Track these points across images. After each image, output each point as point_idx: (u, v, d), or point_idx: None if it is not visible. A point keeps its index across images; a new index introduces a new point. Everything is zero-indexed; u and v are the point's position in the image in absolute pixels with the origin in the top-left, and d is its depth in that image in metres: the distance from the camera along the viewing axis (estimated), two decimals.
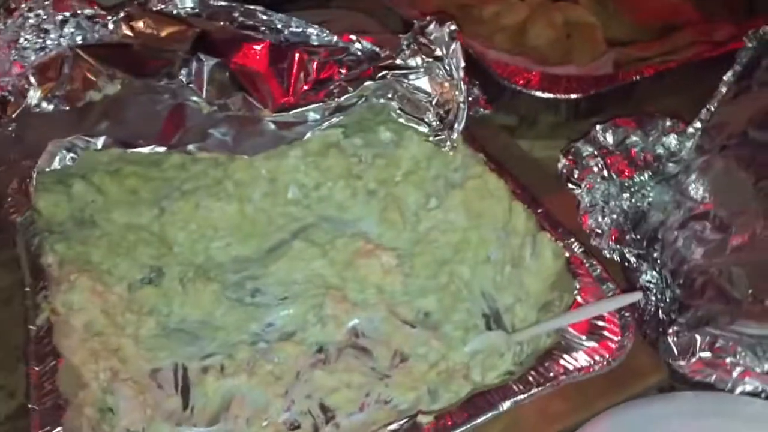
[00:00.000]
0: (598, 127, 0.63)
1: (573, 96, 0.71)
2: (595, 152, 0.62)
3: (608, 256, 0.58)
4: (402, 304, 0.59)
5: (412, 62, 0.63)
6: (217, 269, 0.62)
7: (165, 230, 0.62)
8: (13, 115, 0.62)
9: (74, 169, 0.61)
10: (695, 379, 0.50)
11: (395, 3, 0.85)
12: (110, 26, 0.68)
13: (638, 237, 0.61)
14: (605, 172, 0.62)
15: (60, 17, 0.67)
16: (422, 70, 0.63)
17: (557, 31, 0.77)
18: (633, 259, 0.58)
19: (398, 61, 0.63)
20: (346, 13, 0.89)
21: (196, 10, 0.66)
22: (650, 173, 0.63)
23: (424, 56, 0.63)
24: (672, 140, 0.64)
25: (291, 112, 0.65)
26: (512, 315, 0.58)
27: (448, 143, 0.63)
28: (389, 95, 0.65)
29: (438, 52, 0.63)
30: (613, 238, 0.59)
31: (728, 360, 0.50)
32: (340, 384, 0.54)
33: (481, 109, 0.69)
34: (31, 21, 0.65)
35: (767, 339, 0.50)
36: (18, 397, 0.55)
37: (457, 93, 0.62)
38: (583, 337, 0.50)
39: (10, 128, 0.63)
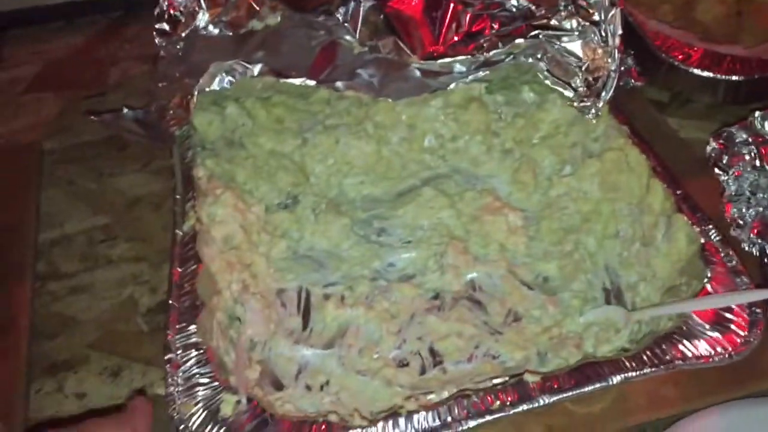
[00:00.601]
0: (757, 113, 0.60)
1: (735, 78, 0.67)
2: (750, 139, 0.59)
3: (747, 249, 0.56)
4: (523, 266, 0.60)
5: (567, 24, 0.62)
6: (349, 204, 0.64)
7: (305, 161, 0.65)
8: (183, 35, 0.66)
9: (230, 92, 0.65)
10: None
11: None
12: None
13: None
14: (757, 162, 0.59)
15: None
16: (577, 33, 0.62)
17: (728, 8, 0.72)
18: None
19: (553, 22, 0.62)
20: None
21: None
22: None
23: (580, 19, 0.61)
24: None
25: (438, 62, 0.66)
26: (634, 293, 0.57)
27: (593, 111, 0.62)
28: (538, 55, 0.64)
29: (596, 17, 0.61)
30: (755, 231, 0.57)
31: None
32: (452, 332, 0.55)
33: (633, 81, 0.67)
34: None
35: None
36: (159, 293, 0.60)
37: (609, 60, 0.60)
38: (707, 326, 0.49)
39: (178, 47, 0.67)
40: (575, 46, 0.62)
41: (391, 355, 0.54)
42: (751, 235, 0.57)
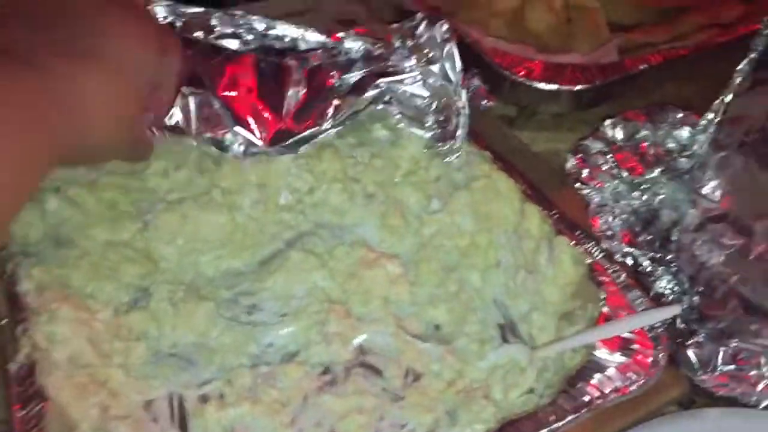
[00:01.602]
0: (606, 122, 0.61)
1: (578, 87, 0.67)
2: (605, 149, 0.59)
3: (621, 260, 0.55)
4: (410, 317, 0.56)
5: (407, 64, 0.59)
6: (209, 286, 0.57)
7: (150, 246, 0.57)
8: None
9: (47, 183, 0.56)
10: (718, 394, 0.48)
11: None
12: None
13: (650, 238, 0.58)
14: (615, 170, 0.59)
15: None
16: (418, 73, 0.59)
17: (557, 16, 0.73)
18: (647, 263, 0.56)
19: (392, 62, 0.59)
20: None
21: (169, 20, 0.59)
22: (662, 169, 0.60)
23: (417, 59, 0.58)
24: (684, 133, 0.62)
25: (287, 143, 0.60)
26: (529, 324, 0.55)
27: (452, 154, 0.59)
28: (386, 99, 0.60)
29: (431, 55, 0.58)
30: (626, 239, 0.56)
31: (753, 373, 0.48)
32: (351, 408, 0.50)
33: (485, 101, 0.65)
34: None
35: None
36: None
37: (455, 98, 0.58)
38: (615, 354, 0.47)
39: None
40: (418, 88, 0.59)
41: None
42: (623, 245, 0.56)
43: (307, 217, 0.62)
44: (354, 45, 0.60)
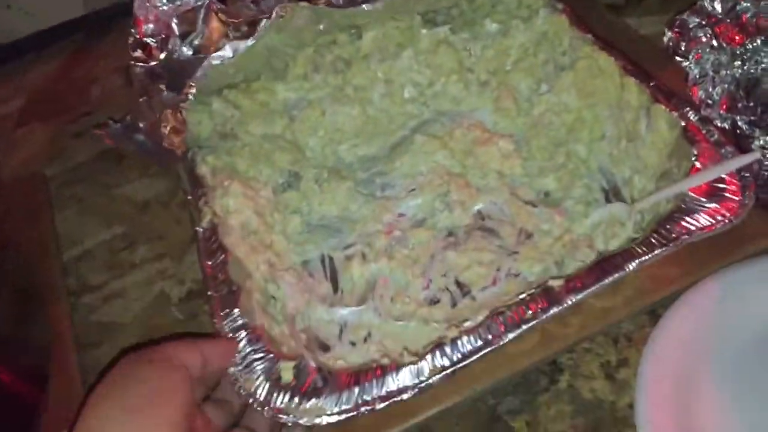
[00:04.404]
0: None
1: None
2: (703, 22, 0.62)
3: (720, 125, 0.59)
4: (522, 186, 0.63)
5: None
6: (348, 169, 0.67)
7: (297, 137, 0.68)
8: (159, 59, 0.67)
9: (212, 86, 0.67)
10: None
11: None
12: None
13: (751, 104, 0.60)
14: (714, 42, 0.62)
15: None
16: None
17: None
18: (745, 126, 0.58)
19: None
20: None
21: None
22: (764, 38, 0.62)
23: None
24: None
25: None
26: (631, 187, 0.60)
27: None
28: None
29: None
30: (724, 107, 0.59)
31: None
32: (472, 262, 0.59)
33: None
34: None
35: None
36: (187, 283, 0.64)
37: None
38: (704, 200, 0.52)
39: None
40: None
41: (422, 297, 0.57)
42: (721, 112, 0.59)
43: (429, 106, 0.70)
44: None
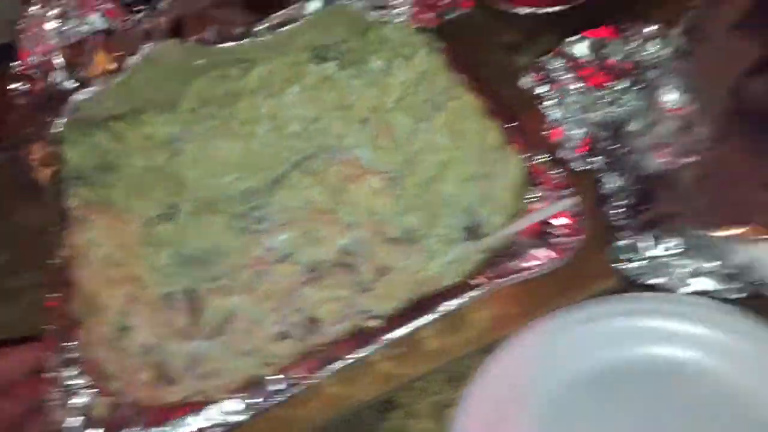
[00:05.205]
0: (566, 40, 0.63)
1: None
2: (569, 64, 0.63)
3: (573, 166, 0.59)
4: (389, 223, 0.63)
5: None
6: (227, 201, 0.67)
7: (179, 170, 0.69)
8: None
9: (93, 118, 0.68)
10: (644, 282, 0.52)
11: None
12: None
13: (608, 147, 0.60)
14: (579, 84, 0.62)
15: None
16: None
17: None
18: (597, 168, 0.59)
19: None
20: None
21: None
22: (632, 80, 0.62)
23: None
24: (653, 46, 0.63)
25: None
26: (488, 226, 0.60)
27: None
28: None
29: None
30: (580, 149, 0.60)
31: (676, 261, 0.51)
32: (327, 298, 0.59)
33: None
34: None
35: (715, 240, 0.50)
36: None
37: None
38: (533, 242, 0.53)
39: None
40: None
41: (274, 330, 0.58)
42: (575, 153, 0.60)
43: (313, 142, 0.71)
44: None
